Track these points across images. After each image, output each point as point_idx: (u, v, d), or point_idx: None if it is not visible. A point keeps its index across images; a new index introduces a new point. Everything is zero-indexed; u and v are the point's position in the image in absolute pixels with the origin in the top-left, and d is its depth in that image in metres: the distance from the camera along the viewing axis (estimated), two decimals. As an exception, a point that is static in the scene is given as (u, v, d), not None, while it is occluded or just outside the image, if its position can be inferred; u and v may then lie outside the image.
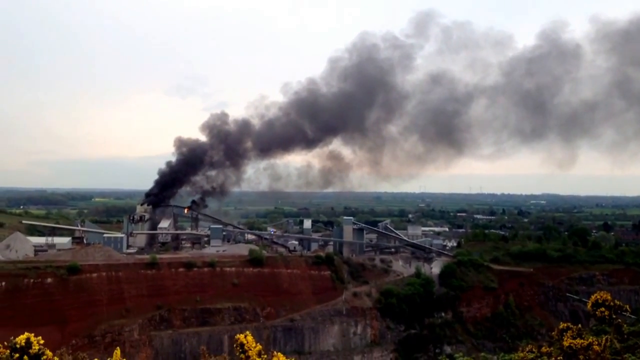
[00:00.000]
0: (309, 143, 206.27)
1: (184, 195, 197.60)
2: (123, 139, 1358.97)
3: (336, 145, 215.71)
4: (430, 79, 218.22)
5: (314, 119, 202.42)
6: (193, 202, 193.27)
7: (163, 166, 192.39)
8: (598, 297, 27.17)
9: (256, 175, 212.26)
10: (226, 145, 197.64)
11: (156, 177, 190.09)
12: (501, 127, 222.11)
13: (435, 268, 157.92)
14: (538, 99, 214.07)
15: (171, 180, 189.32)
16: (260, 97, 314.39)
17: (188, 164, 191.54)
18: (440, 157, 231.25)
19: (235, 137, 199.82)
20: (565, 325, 23.70)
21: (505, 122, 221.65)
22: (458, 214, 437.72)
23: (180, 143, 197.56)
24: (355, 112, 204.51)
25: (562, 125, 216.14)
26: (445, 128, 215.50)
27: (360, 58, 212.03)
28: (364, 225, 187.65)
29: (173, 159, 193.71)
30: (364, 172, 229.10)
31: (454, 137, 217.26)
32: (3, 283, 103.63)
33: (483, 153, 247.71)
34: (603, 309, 24.61)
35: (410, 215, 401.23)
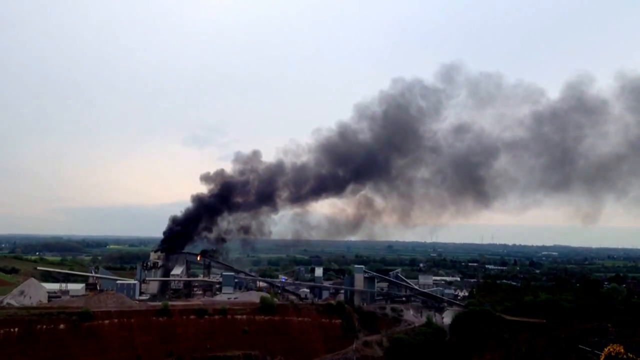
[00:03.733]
0: (339, 190, 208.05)
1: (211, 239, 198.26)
2: (139, 188, 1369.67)
3: (363, 192, 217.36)
4: (457, 131, 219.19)
5: (343, 166, 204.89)
6: (221, 239, 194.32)
7: (179, 213, 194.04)
8: (611, 349, 28.37)
9: (282, 222, 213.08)
10: (258, 188, 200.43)
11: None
12: (527, 180, 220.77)
13: (446, 318, 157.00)
14: (564, 152, 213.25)
15: (198, 217, 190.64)
16: (290, 142, 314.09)
17: (219, 198, 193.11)
18: (468, 209, 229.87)
19: (267, 181, 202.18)
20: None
21: (532, 175, 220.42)
22: (469, 264, 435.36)
23: (208, 179, 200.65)
24: (382, 161, 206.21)
25: (588, 179, 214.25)
26: (471, 180, 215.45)
27: (388, 106, 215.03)
28: (375, 273, 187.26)
29: (189, 205, 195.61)
30: (392, 220, 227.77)
31: (480, 189, 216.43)
32: (16, 329, 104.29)
33: (510, 206, 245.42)
34: (615, 361, 25.72)
35: (421, 265, 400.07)
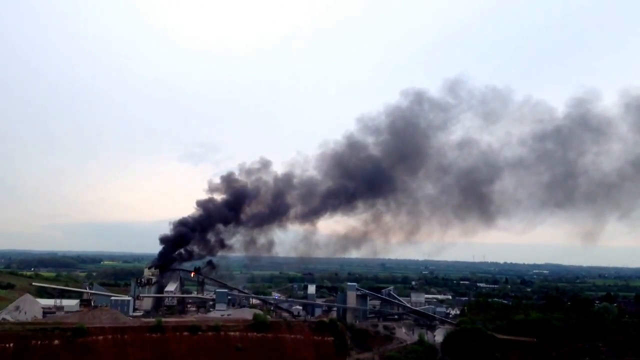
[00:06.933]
0: (347, 205, 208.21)
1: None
2: (133, 204, 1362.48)
3: (372, 209, 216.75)
4: (461, 147, 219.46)
5: (350, 179, 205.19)
6: (225, 247, 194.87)
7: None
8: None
9: (287, 240, 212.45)
10: (268, 200, 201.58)
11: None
12: (531, 198, 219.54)
13: (438, 336, 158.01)
14: (568, 171, 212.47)
15: (208, 221, 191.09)
16: (297, 155, 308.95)
17: (229, 204, 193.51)
18: (473, 227, 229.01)
19: (276, 194, 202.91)
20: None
21: (535, 193, 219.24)
22: (461, 282, 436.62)
23: (214, 189, 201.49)
24: (389, 176, 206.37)
25: (591, 197, 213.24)
26: (475, 198, 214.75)
27: (393, 120, 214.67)
28: (367, 291, 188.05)
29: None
30: (399, 238, 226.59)
31: (485, 207, 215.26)
32: (11, 344, 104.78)
33: (513, 225, 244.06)
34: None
35: (413, 282, 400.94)
